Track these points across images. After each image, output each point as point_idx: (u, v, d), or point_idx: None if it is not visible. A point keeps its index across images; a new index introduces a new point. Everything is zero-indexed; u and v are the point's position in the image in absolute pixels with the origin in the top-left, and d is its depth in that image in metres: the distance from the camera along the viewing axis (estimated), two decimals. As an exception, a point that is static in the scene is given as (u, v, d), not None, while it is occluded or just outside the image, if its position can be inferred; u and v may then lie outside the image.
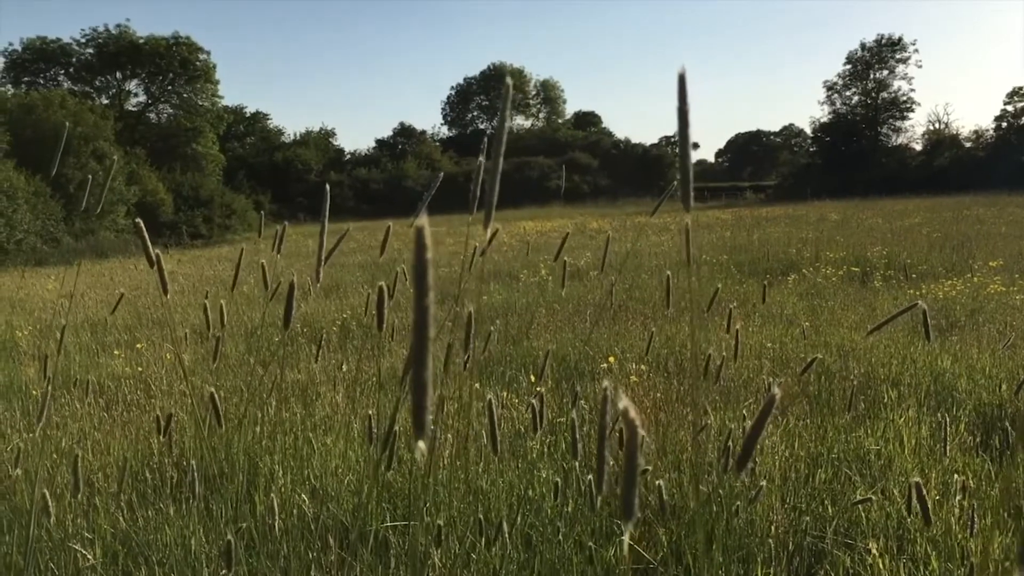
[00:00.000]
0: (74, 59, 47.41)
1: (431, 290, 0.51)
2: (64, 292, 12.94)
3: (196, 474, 2.07)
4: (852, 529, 3.11)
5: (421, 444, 0.53)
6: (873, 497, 2.74)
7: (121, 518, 3.25)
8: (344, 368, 5.76)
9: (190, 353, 7.03)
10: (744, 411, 2.84)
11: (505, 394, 4.82)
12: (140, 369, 6.18)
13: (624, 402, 0.61)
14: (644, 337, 6.78)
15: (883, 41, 54.33)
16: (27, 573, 2.68)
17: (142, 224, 1.88)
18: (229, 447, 3.69)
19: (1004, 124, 50.08)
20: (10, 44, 47.57)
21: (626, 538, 0.63)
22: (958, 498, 2.87)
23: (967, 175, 40.79)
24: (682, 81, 0.73)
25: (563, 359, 6.00)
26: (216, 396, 2.01)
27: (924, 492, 1.61)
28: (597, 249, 14.68)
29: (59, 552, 2.96)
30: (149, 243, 1.82)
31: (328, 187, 1.58)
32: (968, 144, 51.30)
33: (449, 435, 3.87)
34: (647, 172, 61.65)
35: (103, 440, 4.26)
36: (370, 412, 2.15)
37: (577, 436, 1.76)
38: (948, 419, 2.51)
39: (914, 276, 10.07)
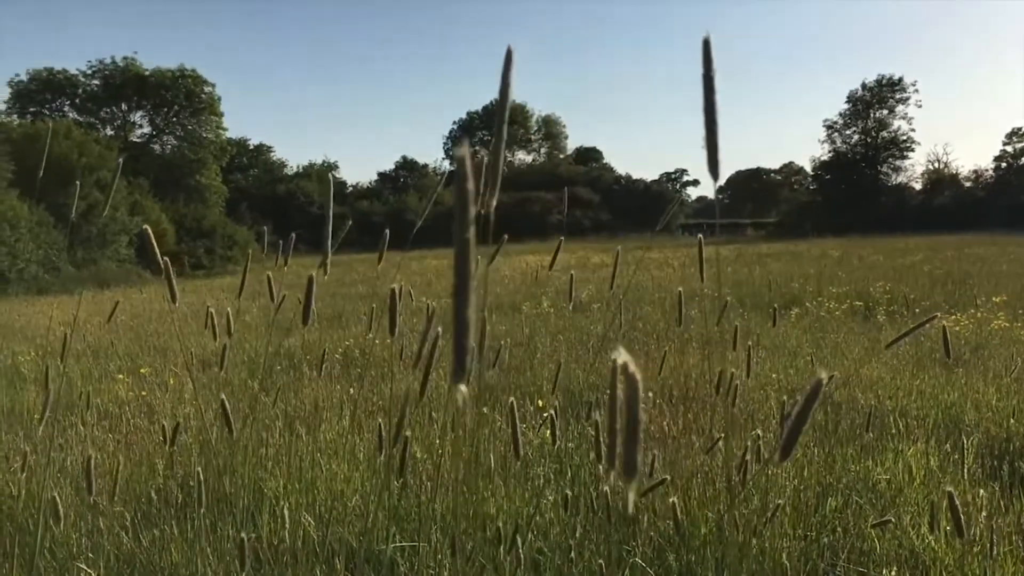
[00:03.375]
0: (80, 90, 47.74)
1: (471, 224, 0.51)
2: (65, 320, 12.92)
3: (203, 483, 2.05)
4: (864, 558, 3.08)
5: (462, 388, 0.52)
6: (892, 519, 2.71)
7: (125, 538, 3.22)
8: (352, 391, 5.73)
9: (191, 381, 7.00)
10: (755, 435, 2.82)
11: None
12: (144, 393, 6.15)
13: (623, 355, 0.60)
14: (648, 367, 6.76)
15: (884, 81, 54.82)
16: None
17: (150, 231, 1.88)
18: (234, 471, 3.67)
19: (1004, 164, 50.46)
20: (16, 75, 47.86)
21: (631, 498, 0.61)
22: (976, 521, 2.84)
23: (967, 214, 41.05)
24: (706, 46, 0.76)
25: (567, 388, 5.97)
26: (226, 403, 1.99)
27: (956, 502, 1.59)
28: (600, 282, 14.69)
29: (63, 573, 2.93)
30: (157, 250, 1.82)
31: (331, 180, 1.58)
32: (968, 184, 51.62)
33: (455, 460, 3.84)
34: (648, 208, 61.89)
35: (107, 462, 4.23)
36: (379, 421, 2.14)
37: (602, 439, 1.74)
38: (962, 445, 2.49)
39: (917, 311, 10.07)
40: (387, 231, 2.03)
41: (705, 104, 0.77)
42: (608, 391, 0.61)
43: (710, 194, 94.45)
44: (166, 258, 1.83)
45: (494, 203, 0.67)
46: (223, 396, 1.98)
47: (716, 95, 0.77)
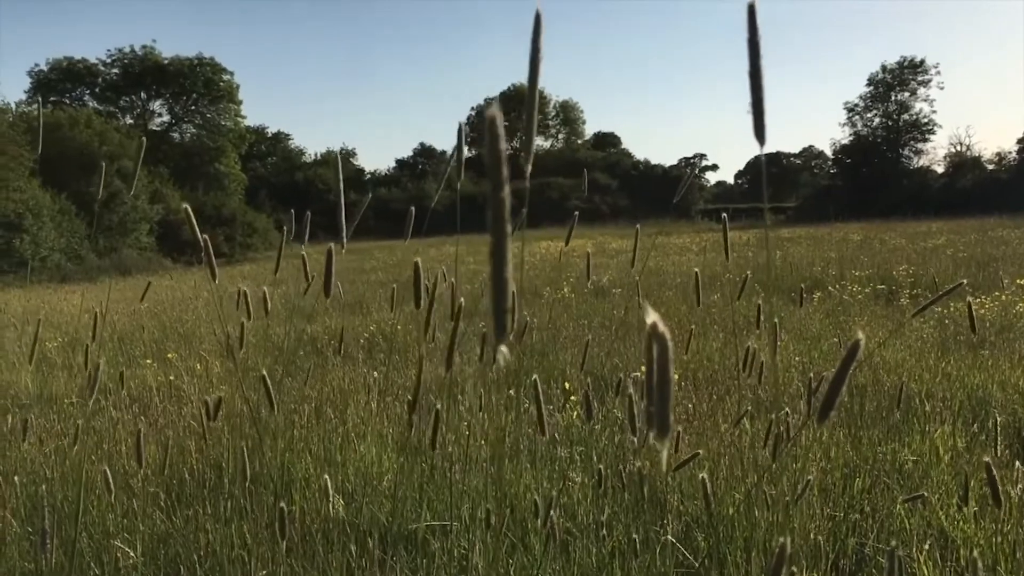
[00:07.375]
0: (99, 79, 48.03)
1: (506, 183, 0.52)
2: (88, 307, 13.06)
3: (246, 457, 2.08)
4: (893, 537, 3.09)
5: (503, 348, 0.53)
6: (925, 493, 2.72)
7: (158, 519, 3.27)
8: (376, 375, 5.78)
9: (219, 365, 7.07)
10: (784, 412, 2.83)
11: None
12: (172, 378, 6.22)
13: (652, 315, 0.61)
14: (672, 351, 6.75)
15: (905, 63, 54.07)
16: (70, 571, 2.70)
17: (188, 208, 1.91)
18: (263, 454, 3.71)
19: (1027, 147, 49.71)
20: (36, 64, 48.23)
21: (664, 454, 0.62)
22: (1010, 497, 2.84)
23: (990, 197, 40.48)
24: (751, 12, 0.78)
25: (590, 372, 5.99)
26: (267, 378, 2.02)
27: (994, 472, 1.60)
28: (620, 267, 14.68)
29: (100, 552, 2.98)
30: (196, 226, 1.84)
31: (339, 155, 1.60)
32: (991, 166, 50.95)
33: (482, 441, 3.87)
34: (666, 193, 61.51)
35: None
36: (409, 397, 2.15)
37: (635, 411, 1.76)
38: (995, 422, 2.49)
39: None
40: (412, 208, 2.04)
41: (751, 69, 0.78)
42: (646, 356, 0.62)
43: (729, 179, 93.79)
44: (205, 236, 1.86)
45: (529, 168, 0.69)
46: (263, 372, 2.01)
47: (761, 60, 0.79)
